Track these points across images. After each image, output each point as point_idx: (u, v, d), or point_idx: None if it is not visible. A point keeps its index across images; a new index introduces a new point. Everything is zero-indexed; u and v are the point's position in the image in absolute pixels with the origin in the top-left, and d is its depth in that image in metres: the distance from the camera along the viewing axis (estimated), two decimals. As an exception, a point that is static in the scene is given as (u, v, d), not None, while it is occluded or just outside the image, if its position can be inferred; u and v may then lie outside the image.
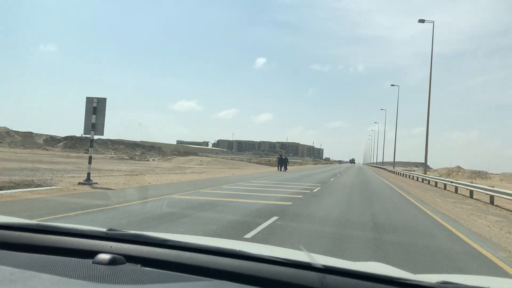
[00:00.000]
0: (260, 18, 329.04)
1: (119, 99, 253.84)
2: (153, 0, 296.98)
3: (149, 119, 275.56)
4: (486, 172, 57.37)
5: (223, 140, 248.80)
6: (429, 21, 35.41)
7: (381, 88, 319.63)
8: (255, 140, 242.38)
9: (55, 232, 1.62)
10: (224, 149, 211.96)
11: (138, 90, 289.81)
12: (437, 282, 1.13)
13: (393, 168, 71.39)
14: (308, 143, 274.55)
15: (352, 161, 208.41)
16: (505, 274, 5.12)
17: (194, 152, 73.12)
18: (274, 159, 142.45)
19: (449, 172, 55.51)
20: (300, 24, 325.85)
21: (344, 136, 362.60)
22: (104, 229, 1.64)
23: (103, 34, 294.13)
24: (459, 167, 57.94)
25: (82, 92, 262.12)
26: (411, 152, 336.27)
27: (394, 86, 58.52)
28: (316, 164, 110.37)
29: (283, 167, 37.71)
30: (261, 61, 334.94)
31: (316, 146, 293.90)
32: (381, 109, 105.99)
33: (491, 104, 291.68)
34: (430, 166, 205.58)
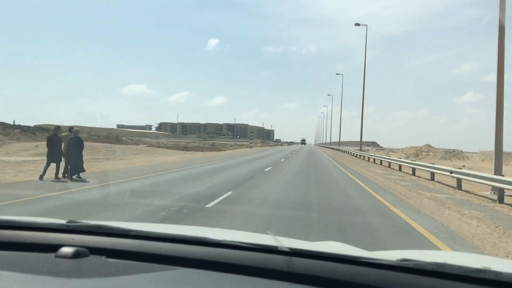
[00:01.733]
0: (211, 0, 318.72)
1: (62, 83, 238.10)
2: None
3: (94, 104, 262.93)
4: (461, 151, 53.23)
5: (165, 123, 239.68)
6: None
7: (332, 69, 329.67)
8: (200, 123, 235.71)
9: (12, 227, 1.61)
10: (166, 133, 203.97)
11: (83, 75, 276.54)
12: (397, 260, 1.23)
13: (339, 147, 76.00)
14: (259, 124, 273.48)
15: (303, 141, 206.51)
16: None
17: (117, 137, 66.42)
18: (219, 142, 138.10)
19: (417, 152, 51.12)
20: (250, 6, 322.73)
21: (297, 118, 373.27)
22: (64, 221, 1.63)
23: (45, 14, 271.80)
24: (429, 146, 53.37)
25: (22, 77, 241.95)
26: (359, 131, 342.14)
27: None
28: (263, 146, 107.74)
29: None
30: (213, 42, 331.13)
31: (267, 127, 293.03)
32: (328, 95, 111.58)
33: (437, 83, 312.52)
34: (380, 145, 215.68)
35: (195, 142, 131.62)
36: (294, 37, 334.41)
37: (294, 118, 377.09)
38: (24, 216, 2.28)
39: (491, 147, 14.58)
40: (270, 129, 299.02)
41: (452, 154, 46.66)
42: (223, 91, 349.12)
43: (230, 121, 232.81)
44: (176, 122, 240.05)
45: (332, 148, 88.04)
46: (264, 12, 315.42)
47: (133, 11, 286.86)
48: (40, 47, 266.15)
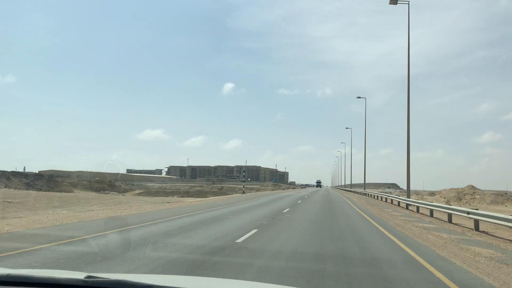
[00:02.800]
0: (224, 46, 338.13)
1: (80, 131, 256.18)
2: (115, 29, 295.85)
3: (110, 150, 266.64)
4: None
5: (174, 167, 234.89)
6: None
7: (347, 111, 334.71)
8: (211, 165, 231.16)
9: (29, 284, 1.59)
10: (174, 177, 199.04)
11: (101, 122, 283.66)
12: (84, 278, 1.37)
13: (364, 190, 65.66)
14: (272, 166, 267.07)
15: (318, 183, 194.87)
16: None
17: (110, 182, 61.35)
18: (228, 185, 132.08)
19: (459, 195, 43.88)
20: (264, 51, 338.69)
21: (312, 160, 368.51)
22: (82, 276, 1.64)
23: (63, 64, 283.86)
24: (472, 188, 45.36)
25: (42, 124, 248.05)
26: (379, 173, 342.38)
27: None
28: (274, 189, 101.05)
29: None
30: (229, 86, 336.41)
31: (281, 169, 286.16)
32: (346, 128, 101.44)
33: (452, 124, 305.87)
34: (401, 187, 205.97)
35: (201, 186, 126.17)
36: (308, 80, 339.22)
37: (309, 160, 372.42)
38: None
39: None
40: (284, 171, 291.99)
41: (505, 197, 38.87)
42: (238, 134, 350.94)
43: (245, 163, 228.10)
44: (185, 165, 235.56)
45: (354, 192, 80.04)
46: (278, 57, 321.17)
47: (148, 58, 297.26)
48: (58, 94, 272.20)
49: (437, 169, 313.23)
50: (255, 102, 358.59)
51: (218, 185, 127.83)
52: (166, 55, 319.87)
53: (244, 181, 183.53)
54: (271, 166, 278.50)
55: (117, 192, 50.55)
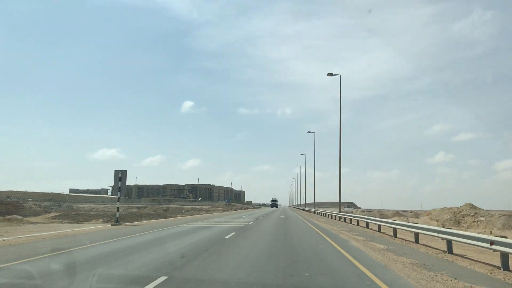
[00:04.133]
0: (183, 66, 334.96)
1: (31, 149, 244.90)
2: (70, 46, 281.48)
3: (63, 169, 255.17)
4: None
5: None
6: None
7: (305, 131, 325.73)
8: (160, 184, 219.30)
9: None
10: (116, 197, 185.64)
11: (54, 141, 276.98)
12: None
13: (314, 208, 70.52)
14: (227, 185, 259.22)
15: (274, 202, 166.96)
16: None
17: (17, 202, 51.47)
18: (175, 206, 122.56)
19: (456, 216, 34.61)
20: (224, 71, 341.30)
21: (271, 180, 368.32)
22: None
23: (12, 81, 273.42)
24: (472, 207, 35.91)
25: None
26: (335, 192, 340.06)
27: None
28: (224, 210, 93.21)
29: None
30: (188, 104, 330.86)
31: (237, 188, 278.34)
32: (301, 154, 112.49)
33: (406, 144, 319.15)
34: (358, 206, 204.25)
35: (145, 207, 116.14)
36: (268, 101, 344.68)
37: (268, 180, 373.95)
38: None
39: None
40: (240, 190, 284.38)
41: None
42: (198, 154, 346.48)
43: (197, 181, 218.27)
44: (131, 184, 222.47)
45: (308, 211, 75.36)
46: (237, 78, 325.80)
47: (104, 76, 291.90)
48: (8, 112, 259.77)
49: (393, 188, 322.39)
50: (215, 121, 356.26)
51: (164, 205, 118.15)
52: (123, 73, 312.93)
53: (193, 201, 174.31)
54: (227, 185, 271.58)
55: (21, 216, 41.03)
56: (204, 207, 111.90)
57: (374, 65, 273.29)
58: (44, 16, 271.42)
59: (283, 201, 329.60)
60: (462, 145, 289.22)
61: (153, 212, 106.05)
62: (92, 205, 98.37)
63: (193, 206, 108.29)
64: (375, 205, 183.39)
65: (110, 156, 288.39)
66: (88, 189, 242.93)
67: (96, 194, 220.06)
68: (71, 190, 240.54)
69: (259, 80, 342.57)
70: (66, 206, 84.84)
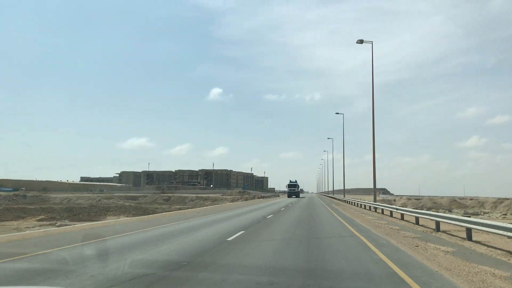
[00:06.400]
0: (208, 54, 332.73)
1: (61, 141, 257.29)
2: (98, 35, 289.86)
3: (95, 159, 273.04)
4: None
5: (127, 172, 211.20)
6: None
7: (332, 117, 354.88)
8: (171, 170, 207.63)
9: None
10: (119, 185, 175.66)
11: (83, 132, 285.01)
12: None
13: (333, 194, 72.72)
14: (247, 170, 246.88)
15: (292, 189, 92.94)
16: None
17: None
18: (178, 194, 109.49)
19: None
20: (249, 59, 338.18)
21: (298, 166, 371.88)
22: None
23: (44, 71, 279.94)
24: None
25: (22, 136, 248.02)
26: (364, 179, 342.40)
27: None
28: (233, 200, 78.96)
29: None
30: (215, 92, 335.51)
31: (259, 174, 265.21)
32: (328, 138, 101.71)
33: (436, 129, 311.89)
34: (391, 192, 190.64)
35: (145, 196, 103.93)
36: (293, 88, 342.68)
37: (295, 167, 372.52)
38: None
39: None
40: (262, 176, 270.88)
41: None
42: (225, 142, 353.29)
43: (214, 166, 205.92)
44: (139, 171, 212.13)
45: (337, 199, 60.98)
46: (261, 65, 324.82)
47: (132, 66, 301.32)
48: (38, 104, 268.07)
49: (422, 174, 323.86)
50: (242, 108, 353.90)
51: (168, 194, 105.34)
52: (149, 63, 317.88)
53: (205, 188, 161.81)
54: (256, 172, 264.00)
55: None
56: (212, 195, 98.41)
57: (401, 48, 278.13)
58: (70, 6, 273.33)
59: (310, 188, 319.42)
60: (496, 128, 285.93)
61: (162, 201, 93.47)
62: (86, 196, 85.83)
63: (199, 195, 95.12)
64: (404, 191, 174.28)
65: (138, 146, 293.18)
66: (100, 177, 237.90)
67: (107, 182, 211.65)
68: (82, 178, 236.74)
69: (284, 67, 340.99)
70: (31, 197, 73.38)
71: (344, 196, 58.58)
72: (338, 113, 69.66)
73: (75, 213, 43.35)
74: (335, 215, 23.86)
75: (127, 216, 36.48)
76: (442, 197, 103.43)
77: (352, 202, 45.66)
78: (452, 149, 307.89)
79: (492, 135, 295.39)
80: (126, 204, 58.64)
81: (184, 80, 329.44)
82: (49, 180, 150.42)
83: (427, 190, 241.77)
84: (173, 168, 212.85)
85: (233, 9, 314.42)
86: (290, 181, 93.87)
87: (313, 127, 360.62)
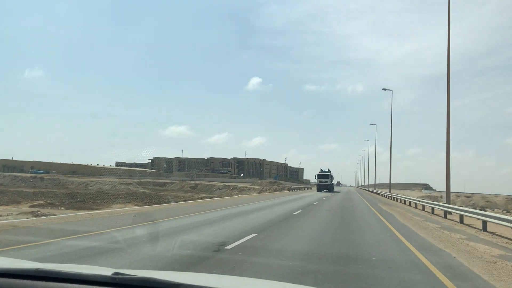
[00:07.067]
0: (248, 43, 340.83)
1: (106, 128, 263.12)
2: (142, 23, 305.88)
3: (137, 146, 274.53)
4: None
5: (159, 158, 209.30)
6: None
7: (373, 110, 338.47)
8: (203, 158, 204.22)
9: (57, 279, 1.70)
10: (149, 170, 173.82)
11: (127, 119, 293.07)
12: (111, 274, 1.53)
13: (374, 189, 66.13)
14: (281, 160, 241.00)
15: (323, 181, 73.13)
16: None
17: None
18: (206, 182, 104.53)
19: None
20: (289, 48, 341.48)
21: (337, 159, 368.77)
22: (109, 273, 1.71)
23: (90, 58, 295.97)
24: None
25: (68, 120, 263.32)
26: (404, 173, 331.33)
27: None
28: (261, 191, 72.82)
29: None
30: (255, 81, 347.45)
31: (294, 165, 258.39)
32: (371, 124, 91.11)
33: (484, 123, 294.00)
34: (433, 188, 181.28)
35: (173, 183, 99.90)
36: (335, 78, 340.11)
37: (334, 159, 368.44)
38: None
39: None
40: (298, 167, 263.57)
41: None
42: (263, 132, 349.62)
43: (246, 155, 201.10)
44: (172, 157, 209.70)
45: (381, 195, 53.78)
46: (302, 55, 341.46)
47: (173, 54, 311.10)
48: (85, 90, 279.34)
49: (467, 170, 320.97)
50: (282, 98, 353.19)
51: (195, 181, 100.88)
52: (191, 52, 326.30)
53: (235, 177, 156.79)
54: (293, 163, 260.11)
55: None
56: (241, 184, 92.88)
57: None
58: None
59: (348, 181, 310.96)
60: None
61: (188, 189, 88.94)
62: (92, 179, 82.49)
63: (227, 184, 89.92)
64: (452, 188, 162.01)
65: (178, 133, 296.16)
66: (134, 163, 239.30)
67: (141, 168, 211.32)
68: (117, 164, 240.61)
69: (325, 57, 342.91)
70: (49, 179, 70.06)
71: (390, 192, 50.89)
72: (385, 89, 55.11)
73: (78, 200, 39.21)
74: (401, 238, 13.28)
75: (136, 205, 32.88)
76: (496, 196, 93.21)
77: (399, 199, 38.44)
78: (500, 145, 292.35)
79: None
80: (140, 191, 53.75)
81: (224, 69, 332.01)
82: (81, 163, 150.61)
83: (472, 187, 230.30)
84: (209, 156, 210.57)
85: None
86: (321, 170, 74.58)
87: (354, 119, 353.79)
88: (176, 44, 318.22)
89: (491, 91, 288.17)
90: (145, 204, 34.10)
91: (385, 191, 62.84)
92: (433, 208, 23.18)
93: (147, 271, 1.94)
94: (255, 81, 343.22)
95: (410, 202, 32.27)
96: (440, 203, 22.56)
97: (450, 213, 20.58)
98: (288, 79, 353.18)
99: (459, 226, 16.71)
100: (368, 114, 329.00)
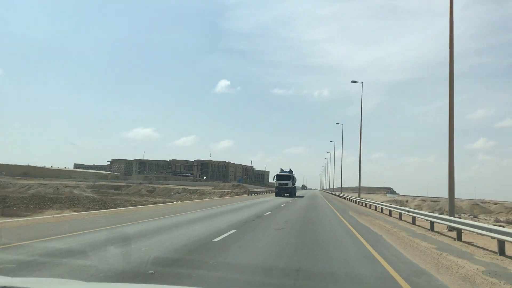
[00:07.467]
0: (216, 46, 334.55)
1: (65, 126, 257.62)
2: (107, 24, 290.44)
3: (98, 146, 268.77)
4: None
5: (118, 160, 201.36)
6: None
7: (339, 115, 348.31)
8: (166, 160, 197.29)
9: None
10: (106, 173, 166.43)
11: (89, 118, 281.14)
12: None
13: (340, 193, 64.24)
14: (257, 166, 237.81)
15: (283, 184, 59.89)
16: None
17: None
18: (165, 186, 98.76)
19: None
20: (258, 53, 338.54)
21: (304, 162, 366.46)
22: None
23: (52, 58, 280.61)
24: None
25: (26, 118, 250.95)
26: (368, 177, 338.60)
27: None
28: (222, 195, 68.42)
29: None
30: (223, 84, 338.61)
31: (259, 168, 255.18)
32: (330, 141, 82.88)
33: (444, 130, 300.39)
34: (396, 191, 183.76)
35: (129, 186, 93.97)
36: (301, 83, 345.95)
37: (301, 163, 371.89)
38: None
39: None
40: (264, 170, 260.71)
41: None
42: (231, 135, 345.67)
43: (210, 157, 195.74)
44: (132, 159, 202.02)
45: (347, 199, 50.76)
46: (270, 59, 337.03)
47: (140, 55, 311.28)
48: (42, 90, 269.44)
49: (428, 174, 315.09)
50: (249, 102, 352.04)
51: (154, 185, 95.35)
52: (157, 53, 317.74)
53: (197, 180, 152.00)
54: (258, 166, 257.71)
55: None
56: (202, 188, 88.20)
57: (411, 47, 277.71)
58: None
59: (314, 184, 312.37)
60: (504, 131, 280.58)
61: (145, 193, 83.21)
62: (38, 182, 76.05)
63: (187, 187, 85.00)
64: (410, 192, 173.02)
65: (144, 135, 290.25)
66: (93, 165, 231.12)
67: (100, 170, 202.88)
68: (76, 166, 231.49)
69: (293, 62, 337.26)
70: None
71: (359, 196, 47.28)
72: (354, 81, 48.66)
73: (7, 205, 34.40)
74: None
75: (74, 211, 30.44)
76: (461, 200, 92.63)
77: (373, 206, 35.00)
78: (460, 151, 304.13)
79: (500, 138, 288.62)
80: (85, 195, 48.59)
81: (192, 71, 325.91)
82: (36, 165, 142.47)
83: (434, 192, 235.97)
84: (173, 158, 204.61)
85: (243, 2, 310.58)
86: (281, 169, 62.96)
87: (320, 123, 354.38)
88: (143, 45, 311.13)
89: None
90: (87, 209, 31.70)
91: (352, 195, 59.76)
92: (432, 223, 17.59)
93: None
94: (223, 83, 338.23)
95: (390, 211, 27.07)
96: (450, 218, 18.15)
97: (457, 230, 16.82)
98: (256, 83, 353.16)
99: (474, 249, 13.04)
100: (333, 118, 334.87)
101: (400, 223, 21.06)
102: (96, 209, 31.86)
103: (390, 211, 26.96)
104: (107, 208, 32.03)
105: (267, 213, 23.36)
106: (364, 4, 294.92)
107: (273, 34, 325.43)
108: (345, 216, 24.78)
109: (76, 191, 53.09)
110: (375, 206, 31.95)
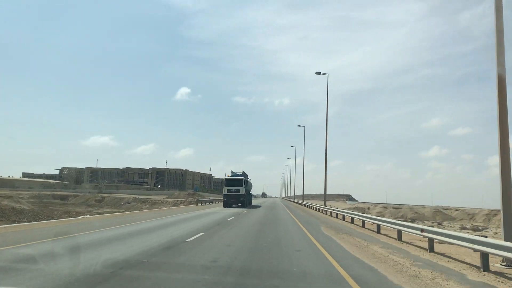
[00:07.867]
0: (177, 54, 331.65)
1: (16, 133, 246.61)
2: (63, 30, 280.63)
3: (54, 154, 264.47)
4: None
5: (69, 168, 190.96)
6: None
7: (300, 122, 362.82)
8: (119, 168, 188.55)
9: None
10: (59, 182, 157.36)
11: (41, 124, 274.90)
12: None
13: (302, 201, 66.90)
14: (217, 173, 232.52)
15: (233, 189, 47.60)
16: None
17: None
18: (115, 195, 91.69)
19: None
20: (218, 61, 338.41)
21: (265, 170, 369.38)
22: None
23: (6, 61, 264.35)
24: None
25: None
26: (329, 184, 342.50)
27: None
28: (174, 204, 63.54)
29: None
30: (183, 92, 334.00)
31: (221, 176, 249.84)
32: (291, 146, 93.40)
33: (401, 138, 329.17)
34: (356, 199, 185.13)
35: (76, 196, 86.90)
36: (262, 92, 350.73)
37: (261, 171, 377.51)
38: None
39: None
40: (223, 178, 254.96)
41: None
42: (191, 143, 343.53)
43: (167, 165, 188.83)
44: (83, 167, 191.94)
45: (308, 207, 47.65)
46: (230, 68, 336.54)
47: (96, 62, 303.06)
48: None
49: (385, 182, 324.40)
50: (210, 110, 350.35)
51: (104, 194, 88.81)
52: (116, 60, 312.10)
53: (151, 189, 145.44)
54: (218, 174, 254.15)
55: None
56: (155, 197, 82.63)
57: (368, 58, 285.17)
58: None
59: (274, 192, 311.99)
60: (457, 139, 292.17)
61: (93, 203, 76.55)
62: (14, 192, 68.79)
63: (139, 196, 79.31)
64: (368, 198, 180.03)
65: (101, 144, 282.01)
66: (44, 173, 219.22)
67: (50, 179, 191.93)
68: (24, 174, 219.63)
69: (254, 70, 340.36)
70: None
71: (325, 204, 44.58)
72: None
73: None
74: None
75: None
76: (423, 207, 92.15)
77: (348, 217, 31.49)
78: (415, 158, 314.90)
79: (453, 146, 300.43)
80: (14, 206, 42.75)
81: (152, 78, 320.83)
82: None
83: (392, 198, 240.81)
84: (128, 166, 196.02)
85: (204, 11, 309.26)
86: (231, 172, 52.42)
87: (281, 131, 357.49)
88: (102, 52, 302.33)
89: (406, 107, 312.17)
90: (13, 222, 29.06)
91: (316, 203, 56.62)
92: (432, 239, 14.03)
93: None
94: (183, 91, 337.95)
95: (363, 221, 23.37)
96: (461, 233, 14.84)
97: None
98: (217, 91, 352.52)
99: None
100: (294, 127, 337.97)
101: (383, 238, 17.39)
102: (25, 221, 29.17)
103: (363, 221, 23.40)
104: (38, 220, 28.87)
105: (195, 237, 14.79)
106: (323, 15, 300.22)
107: (234, 42, 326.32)
108: (318, 235, 17.53)
109: (6, 202, 46.62)
110: (352, 218, 27.54)
